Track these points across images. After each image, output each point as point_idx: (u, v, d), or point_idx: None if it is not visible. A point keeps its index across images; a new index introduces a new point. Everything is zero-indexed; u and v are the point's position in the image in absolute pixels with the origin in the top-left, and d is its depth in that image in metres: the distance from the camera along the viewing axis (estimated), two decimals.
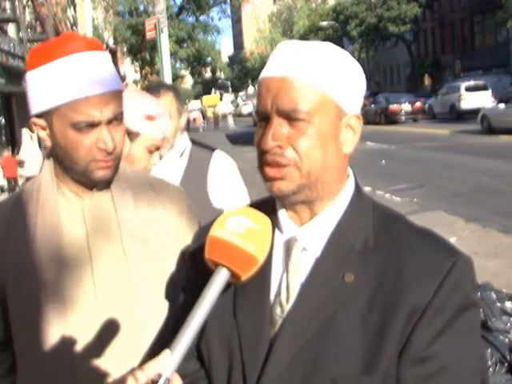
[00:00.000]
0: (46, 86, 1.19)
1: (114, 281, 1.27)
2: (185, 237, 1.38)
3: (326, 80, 0.93)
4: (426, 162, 12.64)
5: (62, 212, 1.27)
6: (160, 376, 0.79)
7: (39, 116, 1.23)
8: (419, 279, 0.91)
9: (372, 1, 41.61)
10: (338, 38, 40.29)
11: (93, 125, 1.19)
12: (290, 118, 0.93)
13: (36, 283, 1.24)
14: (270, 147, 0.94)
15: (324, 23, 44.07)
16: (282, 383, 0.92)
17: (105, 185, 1.29)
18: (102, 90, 1.18)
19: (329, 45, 0.98)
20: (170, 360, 0.81)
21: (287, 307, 0.96)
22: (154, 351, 1.26)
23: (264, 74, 0.97)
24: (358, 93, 0.98)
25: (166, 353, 0.81)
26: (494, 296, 2.22)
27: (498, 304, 2.23)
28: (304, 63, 0.93)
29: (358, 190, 1.02)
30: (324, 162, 0.94)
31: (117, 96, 1.22)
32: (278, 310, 0.97)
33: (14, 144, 22.71)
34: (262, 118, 0.97)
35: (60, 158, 1.25)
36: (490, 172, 10.37)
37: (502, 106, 18.28)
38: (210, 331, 1.00)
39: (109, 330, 1.24)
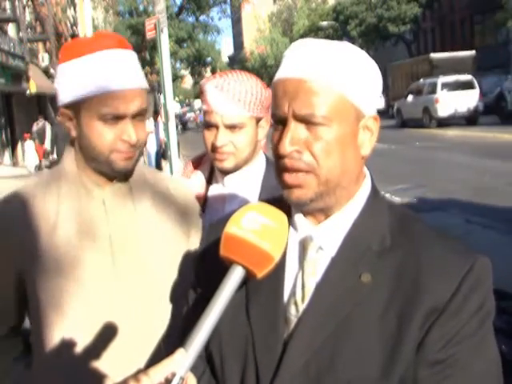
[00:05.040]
0: (77, 79, 1.25)
1: (132, 268, 1.32)
2: (186, 239, 1.45)
3: (344, 81, 0.91)
4: (426, 161, 12.64)
5: (83, 201, 1.32)
6: (174, 375, 0.78)
7: (67, 107, 1.29)
8: (437, 280, 0.89)
9: (372, 1, 41.58)
10: (338, 38, 40.24)
11: (118, 117, 1.25)
12: (308, 121, 0.91)
13: (56, 270, 1.28)
14: (287, 152, 0.92)
15: (324, 23, 44.03)
16: None
17: (124, 177, 1.36)
18: (130, 85, 1.26)
19: (346, 44, 0.96)
20: (184, 359, 0.80)
21: (302, 307, 0.95)
22: (160, 352, 1.28)
23: (280, 74, 0.94)
24: (375, 93, 0.96)
25: (180, 351, 0.80)
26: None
27: (498, 303, 2.23)
28: (322, 64, 0.91)
29: (374, 190, 1.01)
30: (342, 166, 0.93)
31: (142, 93, 1.29)
32: (292, 310, 0.96)
33: (15, 143, 22.70)
34: (279, 121, 0.94)
35: (84, 148, 1.31)
36: (491, 172, 10.37)
37: (410, 98, 20.69)
38: (222, 330, 0.98)
39: (128, 314, 1.30)
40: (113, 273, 1.31)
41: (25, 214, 1.31)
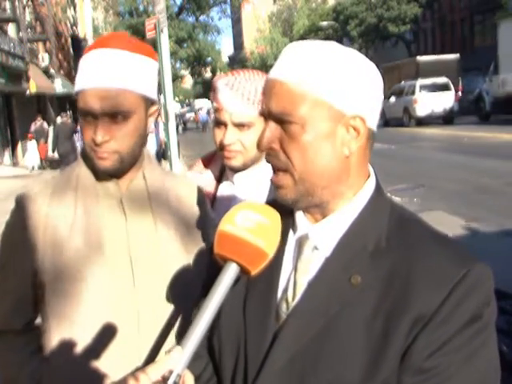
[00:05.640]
0: (78, 73, 1.29)
1: (150, 265, 1.32)
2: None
3: (318, 83, 0.90)
4: (426, 162, 12.65)
5: (101, 199, 1.33)
6: (171, 372, 0.79)
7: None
8: (428, 287, 0.87)
9: (372, 1, 41.62)
10: (338, 37, 40.36)
11: (94, 116, 1.24)
12: (282, 121, 0.92)
13: (69, 276, 1.28)
14: (262, 148, 0.95)
15: (324, 23, 44.11)
16: (281, 380, 0.92)
17: (118, 173, 1.33)
18: (105, 84, 1.23)
19: (329, 44, 0.94)
20: (181, 356, 0.80)
21: (292, 304, 0.96)
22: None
23: (267, 75, 0.98)
24: (362, 92, 0.93)
25: (177, 349, 0.81)
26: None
27: (498, 303, 2.22)
28: (297, 66, 0.91)
29: (377, 190, 1.00)
30: (317, 166, 0.93)
31: (123, 94, 1.25)
32: (283, 307, 0.97)
33: (15, 143, 22.71)
34: (264, 118, 0.97)
35: None
36: (490, 172, 10.38)
37: (392, 99, 22.53)
38: (222, 324, 1.01)
39: (146, 313, 1.29)
40: (131, 276, 1.30)
41: (40, 214, 1.31)
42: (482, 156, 12.34)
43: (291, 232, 1.01)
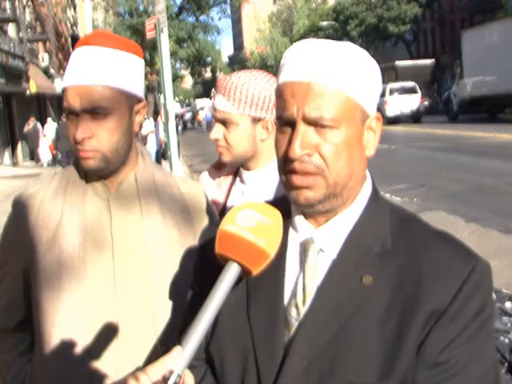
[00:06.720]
0: (65, 72, 1.29)
1: (133, 267, 1.31)
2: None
3: (351, 83, 0.91)
4: (426, 161, 12.64)
5: (88, 198, 1.32)
6: (172, 373, 0.78)
7: None
8: (438, 283, 0.89)
9: (372, 1, 41.60)
10: (338, 38, 40.29)
11: (75, 113, 1.24)
12: (318, 124, 0.90)
13: (56, 274, 1.28)
14: (298, 156, 0.91)
15: (324, 23, 44.14)
16: None
17: (106, 174, 1.32)
18: (85, 82, 1.23)
19: (349, 45, 0.95)
20: (181, 356, 0.80)
21: (303, 310, 0.94)
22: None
23: (287, 78, 0.93)
24: (377, 93, 0.96)
25: (177, 349, 0.80)
26: (493, 296, 2.22)
27: (498, 304, 2.23)
28: (330, 67, 0.90)
29: (375, 191, 1.00)
30: (350, 168, 0.93)
31: (106, 92, 1.24)
32: (293, 313, 0.95)
33: (15, 143, 22.70)
34: (286, 123, 0.93)
35: None
36: (490, 172, 10.37)
37: None
38: (222, 332, 0.99)
39: (126, 315, 1.28)
40: (113, 278, 1.30)
41: (31, 214, 1.32)
42: (481, 156, 12.34)
43: (291, 235, 1.00)
